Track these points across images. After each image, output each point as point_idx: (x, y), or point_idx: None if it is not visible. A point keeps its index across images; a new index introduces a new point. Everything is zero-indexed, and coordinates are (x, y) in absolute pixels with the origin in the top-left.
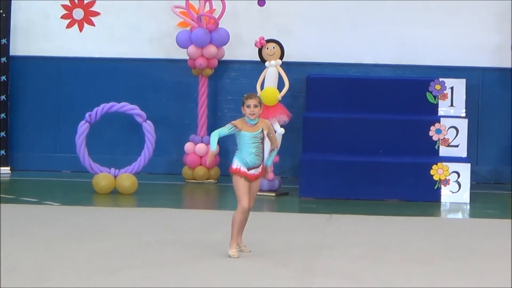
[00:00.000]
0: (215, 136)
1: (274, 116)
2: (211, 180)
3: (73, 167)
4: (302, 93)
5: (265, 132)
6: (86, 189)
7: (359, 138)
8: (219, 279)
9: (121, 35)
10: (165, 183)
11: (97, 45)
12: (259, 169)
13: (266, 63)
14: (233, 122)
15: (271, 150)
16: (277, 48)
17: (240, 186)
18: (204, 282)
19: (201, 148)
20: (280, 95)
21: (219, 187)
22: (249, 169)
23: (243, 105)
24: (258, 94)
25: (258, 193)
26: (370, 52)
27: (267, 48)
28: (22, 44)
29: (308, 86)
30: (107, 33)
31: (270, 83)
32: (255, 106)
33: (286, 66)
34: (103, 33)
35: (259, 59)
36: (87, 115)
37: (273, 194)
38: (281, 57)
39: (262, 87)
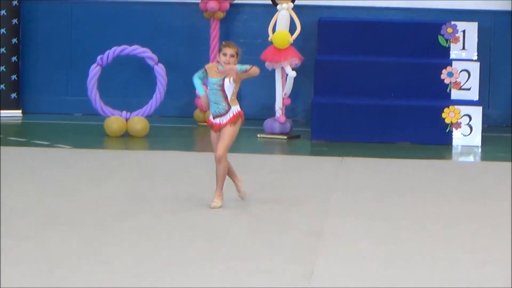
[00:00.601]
0: (196, 80)
1: (286, 59)
2: None
3: (85, 110)
4: (313, 36)
5: (227, 80)
6: (98, 132)
7: (371, 81)
8: (228, 222)
9: None
10: (177, 126)
11: None
12: (225, 119)
13: (278, 6)
14: (206, 65)
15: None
16: None
17: (211, 138)
18: (212, 226)
19: None
20: (292, 38)
21: None
22: (214, 117)
23: (219, 52)
24: (270, 38)
25: (270, 136)
26: None
27: None
28: None
29: (320, 29)
30: None
31: (282, 26)
32: (232, 56)
33: (298, 9)
34: None
35: (270, 2)
36: (98, 58)
37: (285, 137)
38: (293, 0)
39: (274, 30)
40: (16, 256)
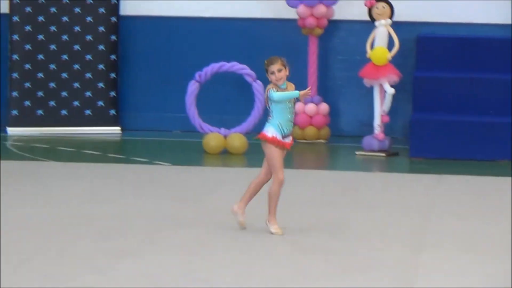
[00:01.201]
0: (278, 94)
1: (384, 76)
2: (321, 140)
3: (183, 126)
4: (412, 53)
5: None
6: (196, 149)
7: (470, 97)
8: (328, 238)
9: None
10: None
11: (207, 4)
12: (290, 139)
13: (376, 23)
14: (272, 86)
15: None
16: (387, 8)
17: (276, 156)
18: (307, 242)
19: (311, 108)
20: (390, 55)
21: (330, 147)
22: (283, 137)
23: (267, 73)
24: (368, 55)
25: (368, 154)
26: (480, 12)
27: (377, 8)
28: (132, 4)
29: (418, 45)
30: None
31: (380, 43)
32: (279, 70)
33: (396, 25)
34: None
35: (369, 19)
36: (197, 74)
37: (384, 154)
38: (391, 17)
39: (372, 47)
40: (116, 273)
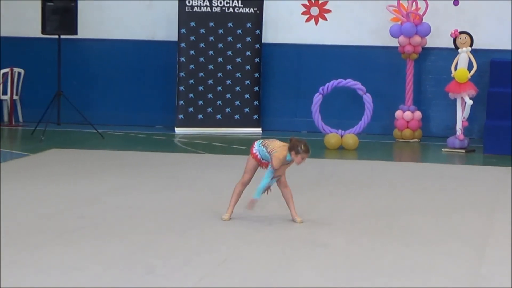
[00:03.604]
0: (266, 181)
1: (465, 91)
2: (416, 140)
3: (310, 128)
4: (486, 73)
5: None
6: (319, 145)
7: None
8: (416, 219)
9: (348, 27)
10: (380, 142)
11: (329, 35)
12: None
13: (459, 50)
14: (274, 166)
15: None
16: (468, 38)
17: (249, 163)
18: (398, 227)
19: (408, 115)
20: (469, 75)
21: (422, 145)
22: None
23: (297, 148)
24: (452, 74)
25: (451, 150)
26: None
27: (460, 38)
28: (271, 34)
29: (491, 67)
30: (337, 26)
31: (462, 65)
32: (304, 159)
33: (474, 51)
34: (334, 25)
35: (453, 47)
36: (320, 88)
37: (463, 151)
38: (471, 45)
39: (455, 68)
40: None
